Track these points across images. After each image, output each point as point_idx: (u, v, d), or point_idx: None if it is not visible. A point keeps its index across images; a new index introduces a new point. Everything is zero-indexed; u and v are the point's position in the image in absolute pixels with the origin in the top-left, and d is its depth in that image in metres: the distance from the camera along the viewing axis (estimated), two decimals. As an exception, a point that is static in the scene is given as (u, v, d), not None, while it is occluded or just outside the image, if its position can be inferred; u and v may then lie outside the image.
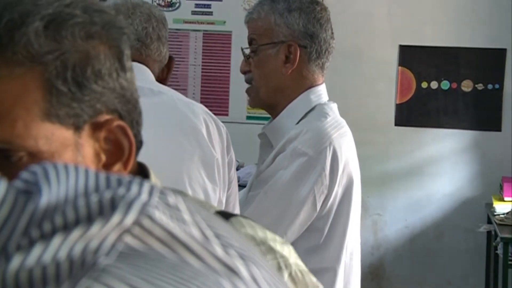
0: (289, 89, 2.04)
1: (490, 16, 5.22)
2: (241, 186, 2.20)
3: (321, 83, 2.10)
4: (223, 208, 1.77)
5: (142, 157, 1.63)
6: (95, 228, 0.40)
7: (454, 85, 5.28)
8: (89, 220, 0.39)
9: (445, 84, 5.29)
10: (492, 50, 5.21)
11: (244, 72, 2.09)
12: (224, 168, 1.75)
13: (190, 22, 5.27)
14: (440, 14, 5.27)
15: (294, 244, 1.97)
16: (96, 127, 0.81)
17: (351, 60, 5.31)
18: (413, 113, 5.33)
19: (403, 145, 5.36)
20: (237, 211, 1.83)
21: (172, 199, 0.44)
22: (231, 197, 1.80)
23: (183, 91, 5.29)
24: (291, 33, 2.01)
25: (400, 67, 5.32)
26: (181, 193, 0.60)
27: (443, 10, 5.27)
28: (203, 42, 5.20)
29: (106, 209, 0.40)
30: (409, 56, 5.28)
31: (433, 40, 5.27)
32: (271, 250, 0.82)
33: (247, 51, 2.06)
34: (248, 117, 4.98)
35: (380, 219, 5.45)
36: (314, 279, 0.85)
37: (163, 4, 5.29)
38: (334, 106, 2.09)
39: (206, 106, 5.66)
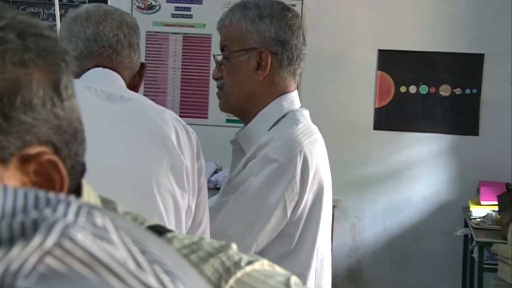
0: (261, 95, 2.05)
1: (468, 21, 5.26)
2: (218, 189, 2.20)
3: (293, 90, 2.10)
4: (192, 215, 1.78)
5: (112, 164, 1.64)
6: (15, 250, 0.40)
7: (433, 90, 5.31)
8: (11, 242, 0.40)
9: (424, 89, 5.32)
10: (470, 55, 5.25)
11: (216, 79, 2.09)
12: (194, 174, 1.76)
13: (170, 25, 5.27)
14: (419, 19, 5.31)
15: (265, 250, 1.98)
16: (25, 160, 0.75)
17: (331, 64, 5.34)
18: (392, 117, 5.36)
19: (382, 149, 5.39)
20: (206, 217, 1.83)
21: (99, 219, 0.45)
22: (200, 204, 1.80)
23: (163, 93, 5.29)
24: (263, 39, 2.02)
25: (379, 71, 5.35)
26: (111, 210, 0.60)
27: (422, 15, 5.30)
28: (183, 45, 5.21)
29: (29, 231, 0.41)
30: (388, 60, 5.31)
31: (412, 45, 5.31)
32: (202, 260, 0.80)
33: (219, 58, 2.07)
34: (228, 120, 4.99)
35: (358, 222, 5.48)
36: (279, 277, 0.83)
37: (143, 6, 5.29)
38: (306, 113, 2.10)
39: (185, 109, 5.64)
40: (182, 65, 5.25)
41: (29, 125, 0.75)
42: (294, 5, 5.25)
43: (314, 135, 2.05)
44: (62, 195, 0.47)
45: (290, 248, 1.99)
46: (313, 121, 5.68)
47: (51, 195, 0.46)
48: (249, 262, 0.81)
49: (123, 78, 1.84)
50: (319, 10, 5.31)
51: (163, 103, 5.26)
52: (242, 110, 2.09)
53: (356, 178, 5.40)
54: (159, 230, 0.83)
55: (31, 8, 5.24)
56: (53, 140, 0.77)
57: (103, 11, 1.88)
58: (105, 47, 1.82)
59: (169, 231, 0.84)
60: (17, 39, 0.74)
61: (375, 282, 5.47)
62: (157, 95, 5.29)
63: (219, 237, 1.94)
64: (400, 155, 5.38)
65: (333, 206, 5.24)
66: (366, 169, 5.42)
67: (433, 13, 5.28)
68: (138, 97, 1.79)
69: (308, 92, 5.34)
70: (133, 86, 1.90)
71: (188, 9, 5.13)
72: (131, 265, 0.43)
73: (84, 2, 5.13)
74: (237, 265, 0.80)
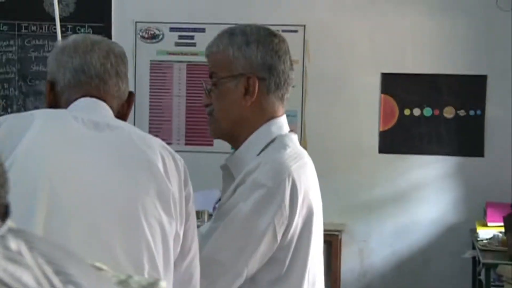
0: (249, 121, 2.06)
1: (470, 43, 5.27)
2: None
3: (282, 115, 2.12)
4: (180, 241, 1.78)
5: (98, 192, 1.65)
6: None
7: (437, 112, 5.31)
8: None
9: (428, 111, 5.32)
10: (472, 77, 5.26)
11: (206, 105, 2.11)
12: (181, 201, 1.76)
13: (173, 54, 5.31)
14: (422, 42, 5.32)
15: (256, 275, 1.98)
16: None
17: (335, 88, 5.35)
18: (397, 140, 5.36)
19: (388, 172, 5.38)
20: (195, 244, 1.83)
21: (14, 244, 0.46)
22: (189, 230, 1.80)
23: (168, 122, 5.32)
24: (250, 65, 2.03)
25: (382, 95, 5.35)
26: (30, 236, 0.60)
27: (424, 37, 5.32)
28: (187, 73, 5.24)
29: None
30: (392, 83, 5.32)
31: (415, 68, 5.32)
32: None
33: (209, 85, 2.09)
34: (234, 148, 5.00)
35: (366, 246, 5.46)
36: None
37: (146, 36, 5.34)
38: (294, 138, 2.11)
39: (191, 136, 5.67)
40: (187, 93, 5.28)
41: None
42: (296, 31, 5.29)
43: (302, 159, 2.06)
44: None
45: (281, 273, 1.99)
46: (317, 145, 5.70)
47: None
48: None
49: (111, 107, 1.86)
50: (322, 34, 5.34)
51: (169, 131, 5.29)
52: (231, 135, 2.11)
53: (363, 202, 5.38)
54: None
55: (36, 40, 5.29)
56: None
57: (90, 41, 1.90)
58: (92, 77, 1.84)
59: (99, 269, 0.84)
60: None
61: (385, 306, 5.44)
62: (162, 124, 5.32)
63: (210, 263, 1.95)
64: (406, 178, 5.37)
65: (340, 231, 5.26)
66: (372, 192, 5.41)
67: (435, 36, 5.30)
68: (125, 126, 1.81)
69: (312, 116, 5.35)
70: (122, 114, 1.91)
71: (192, 37, 5.17)
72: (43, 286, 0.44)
73: (87, 33, 5.19)
74: None
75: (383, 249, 5.42)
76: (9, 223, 0.49)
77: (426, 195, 5.36)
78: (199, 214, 4.36)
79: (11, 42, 5.35)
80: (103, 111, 1.82)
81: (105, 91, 1.85)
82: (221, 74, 2.05)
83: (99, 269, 0.83)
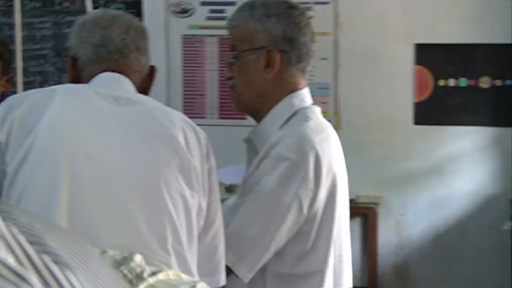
0: (271, 93, 2.06)
1: (505, 11, 5.17)
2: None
3: (304, 87, 2.11)
4: (204, 214, 1.79)
5: (120, 166, 1.66)
6: None
7: (472, 82, 5.24)
8: None
9: (463, 81, 5.25)
10: (509, 46, 5.16)
11: (228, 78, 2.11)
12: (204, 174, 1.77)
13: (205, 28, 5.31)
14: (455, 11, 5.24)
15: (283, 250, 1.99)
16: None
17: (367, 60, 5.30)
18: (432, 111, 5.30)
19: (423, 144, 5.33)
20: (219, 217, 1.84)
21: None
22: (212, 203, 1.81)
23: (201, 96, 5.33)
24: (270, 38, 2.03)
25: (416, 66, 5.29)
26: (7, 208, 0.60)
27: (458, 6, 5.23)
28: (219, 47, 5.24)
29: None
30: (425, 54, 5.25)
31: (449, 38, 5.24)
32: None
33: (230, 58, 2.09)
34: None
35: (403, 219, 5.43)
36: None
37: (178, 10, 5.34)
38: (317, 110, 2.10)
39: (225, 110, 5.68)
40: (220, 67, 5.28)
41: None
42: (328, 3, 5.25)
43: (325, 131, 2.06)
44: None
45: (307, 246, 2.00)
46: (350, 118, 5.66)
47: None
48: (153, 274, 0.81)
49: (132, 82, 1.87)
50: (353, 6, 5.28)
51: (202, 106, 5.31)
52: (254, 108, 2.11)
53: (398, 175, 5.35)
54: None
55: (70, 17, 5.33)
56: None
57: (110, 16, 1.91)
58: (113, 52, 1.85)
59: None
60: None
61: (422, 279, 5.42)
62: (195, 98, 5.34)
63: (237, 238, 1.96)
64: (442, 150, 5.32)
65: (376, 203, 5.24)
66: (408, 165, 5.36)
67: (469, 4, 5.21)
68: (146, 100, 1.82)
69: (345, 88, 5.32)
70: (144, 89, 1.93)
71: (223, 11, 5.16)
72: (12, 259, 0.44)
73: (120, 9, 5.21)
74: (140, 277, 0.79)
75: (420, 221, 5.39)
76: None
77: (462, 167, 5.30)
78: (232, 188, 4.38)
79: (45, 19, 5.40)
80: (124, 85, 1.84)
81: (126, 65, 1.86)
82: (242, 47, 2.05)
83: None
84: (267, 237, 1.96)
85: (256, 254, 1.97)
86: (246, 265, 1.97)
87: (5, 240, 0.46)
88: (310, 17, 2.16)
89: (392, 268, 5.43)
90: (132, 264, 0.80)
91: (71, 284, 0.47)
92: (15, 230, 0.46)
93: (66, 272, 0.46)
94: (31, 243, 0.46)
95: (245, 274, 1.97)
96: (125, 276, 0.78)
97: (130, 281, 0.78)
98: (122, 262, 0.80)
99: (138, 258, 0.82)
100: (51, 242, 0.48)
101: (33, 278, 0.44)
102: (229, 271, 1.96)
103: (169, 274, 0.81)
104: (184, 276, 0.82)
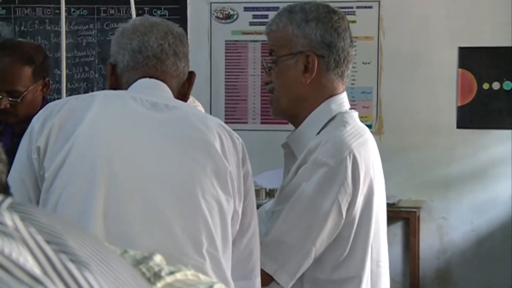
0: (309, 98, 2.06)
1: (550, 14, 5.11)
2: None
3: (342, 92, 2.10)
4: (239, 219, 1.80)
5: (157, 171, 1.69)
6: None
7: (517, 85, 5.18)
8: None
9: (507, 85, 5.20)
10: (554, 48, 5.10)
11: (266, 83, 2.12)
12: (239, 179, 1.78)
13: (248, 33, 5.34)
14: (499, 14, 5.19)
15: (321, 256, 1.99)
16: None
17: (410, 64, 5.28)
18: (475, 115, 5.25)
19: (466, 148, 5.29)
20: (255, 221, 1.85)
21: (7, 217, 0.48)
22: (248, 207, 1.82)
23: (244, 101, 5.36)
24: (309, 43, 2.03)
25: (460, 69, 5.25)
26: (27, 209, 0.60)
27: (501, 10, 5.18)
28: (262, 52, 5.26)
29: None
30: (469, 57, 5.21)
31: (493, 41, 5.19)
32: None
33: (269, 63, 2.10)
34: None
35: (445, 223, 5.39)
36: None
37: (221, 16, 5.38)
38: (355, 115, 2.10)
39: (266, 115, 5.68)
40: (261, 72, 5.29)
41: None
42: (371, 7, 5.23)
43: (363, 136, 2.05)
44: None
45: (345, 251, 1.99)
46: (393, 122, 5.63)
47: None
48: (171, 273, 0.80)
49: (170, 87, 1.88)
50: (397, 9, 5.26)
51: (244, 111, 5.33)
52: (292, 113, 2.11)
53: (441, 178, 5.31)
54: None
55: (115, 24, 5.40)
56: None
57: (149, 23, 1.93)
58: (150, 57, 1.87)
59: None
60: None
61: (464, 283, 5.37)
62: (237, 103, 5.37)
63: (278, 245, 1.97)
64: (485, 153, 5.27)
65: (418, 207, 5.20)
66: (451, 169, 5.32)
67: (512, 7, 5.16)
68: (183, 106, 1.83)
69: (388, 92, 5.30)
70: (182, 94, 1.94)
71: (266, 16, 5.19)
72: (30, 259, 0.46)
73: (164, 15, 5.27)
74: (157, 276, 0.79)
75: (462, 225, 5.34)
76: (9, 199, 0.51)
77: (506, 171, 5.24)
78: (272, 192, 4.39)
79: (91, 26, 5.48)
80: (162, 91, 1.85)
81: (163, 70, 1.87)
82: (281, 52, 2.06)
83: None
84: (308, 243, 1.96)
85: (297, 260, 1.97)
86: (287, 272, 1.97)
87: (24, 240, 0.47)
88: (350, 22, 2.16)
89: (434, 272, 5.39)
90: (151, 263, 0.81)
91: (89, 283, 0.47)
92: (33, 230, 0.47)
93: (84, 271, 0.47)
94: (49, 242, 0.47)
95: (287, 281, 1.97)
96: (143, 274, 0.79)
97: (148, 280, 0.79)
98: (141, 261, 0.81)
99: (157, 258, 0.83)
100: (71, 242, 0.49)
101: (48, 281, 0.45)
102: (269, 278, 1.97)
103: (188, 274, 0.82)
104: (202, 277, 0.83)
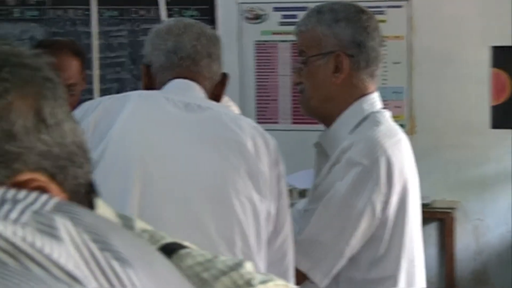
0: (340, 98, 2.06)
1: None
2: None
3: (373, 91, 2.10)
4: (273, 220, 1.80)
5: (190, 172, 1.69)
6: None
7: (551, 84, 5.11)
8: None
9: (542, 84, 5.14)
10: None
11: (296, 83, 2.13)
12: (272, 180, 1.78)
13: (278, 33, 5.33)
14: (533, 11, 5.12)
15: (356, 256, 1.99)
16: (16, 187, 0.74)
17: (441, 63, 5.23)
18: (510, 114, 5.19)
19: (501, 148, 5.22)
20: (288, 222, 1.85)
21: (57, 218, 0.48)
22: (281, 209, 1.82)
23: (274, 101, 5.35)
24: (339, 43, 2.03)
25: (493, 69, 5.19)
26: (74, 209, 0.61)
27: (535, 7, 5.12)
28: (292, 52, 5.25)
29: None
30: (502, 57, 5.15)
31: (527, 39, 5.13)
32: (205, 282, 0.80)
33: (298, 63, 2.10)
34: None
35: (481, 224, 5.33)
36: None
37: (250, 16, 5.38)
38: (387, 114, 2.09)
39: (298, 115, 5.66)
40: (292, 72, 5.29)
41: (14, 154, 0.76)
42: (401, 6, 5.20)
43: (396, 136, 2.05)
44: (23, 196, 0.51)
45: (380, 251, 2.00)
46: (425, 122, 5.57)
47: (11, 196, 0.51)
48: (263, 282, 0.81)
49: (203, 88, 1.89)
50: (427, 9, 5.22)
51: (275, 111, 5.33)
52: (322, 113, 2.11)
53: (475, 179, 5.25)
54: (173, 247, 0.84)
55: (145, 24, 5.43)
56: (44, 167, 0.78)
57: (183, 24, 1.94)
58: (184, 58, 1.88)
59: (184, 247, 0.85)
60: None
61: (501, 285, 5.31)
62: (268, 103, 5.36)
63: (312, 245, 1.97)
64: (521, 154, 5.20)
65: (453, 208, 5.16)
66: (485, 169, 5.26)
67: (548, 5, 5.09)
68: (216, 106, 1.84)
69: (419, 92, 5.26)
70: (215, 95, 1.95)
71: (295, 16, 5.17)
72: (78, 258, 0.46)
73: (193, 16, 5.28)
74: (249, 284, 0.80)
75: (499, 226, 5.28)
76: (55, 199, 0.52)
77: (542, 171, 5.18)
78: (305, 193, 4.38)
79: (121, 27, 5.52)
80: (195, 92, 1.87)
81: (197, 72, 1.89)
82: (310, 52, 2.06)
83: (183, 247, 0.85)
84: (342, 242, 1.97)
85: (331, 259, 1.98)
86: (321, 271, 1.98)
87: (69, 240, 0.47)
88: (379, 22, 2.15)
89: (470, 273, 5.34)
90: (242, 271, 0.81)
91: (131, 281, 0.47)
92: (78, 229, 0.48)
93: (128, 270, 0.48)
94: (95, 241, 0.47)
95: (321, 280, 1.98)
96: (234, 281, 0.79)
97: (239, 287, 0.79)
98: (233, 268, 0.81)
99: (248, 265, 0.83)
100: (115, 241, 0.49)
101: (91, 280, 0.45)
102: (304, 277, 1.97)
103: (278, 284, 0.81)
104: (291, 287, 0.83)
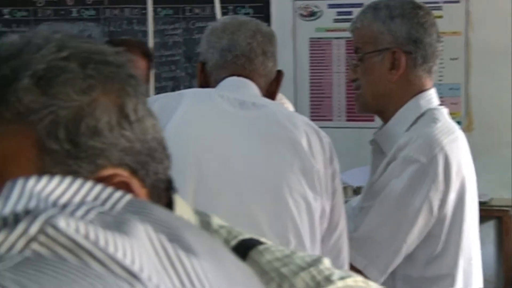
0: (397, 95, 2.05)
1: None
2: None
3: (430, 88, 2.08)
4: (327, 217, 1.80)
5: (244, 169, 1.70)
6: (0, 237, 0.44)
7: None
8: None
9: None
10: None
11: (352, 80, 2.12)
12: (327, 178, 1.78)
13: (332, 30, 5.31)
14: None
15: (413, 253, 1.98)
16: (99, 182, 0.79)
17: (499, 59, 5.14)
18: None
19: None
20: (343, 220, 1.85)
21: (127, 215, 0.49)
22: (336, 206, 1.82)
23: (328, 98, 5.34)
24: (395, 39, 2.02)
25: (553, 65, 5.09)
26: (146, 206, 0.61)
27: None
28: (346, 49, 5.23)
29: (11, 222, 0.45)
30: None
31: None
32: (284, 277, 0.81)
33: (354, 60, 2.09)
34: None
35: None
36: None
37: (305, 14, 5.37)
38: (444, 111, 2.07)
39: (352, 112, 5.63)
40: (346, 69, 5.25)
41: (98, 149, 0.78)
42: (458, 1, 5.14)
43: (454, 133, 2.02)
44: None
45: (437, 249, 1.99)
46: (482, 119, 5.48)
47: (84, 191, 0.52)
48: (341, 278, 0.81)
49: (258, 86, 1.89)
50: (485, 4, 5.13)
51: (329, 108, 5.31)
52: (378, 110, 2.10)
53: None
54: (252, 243, 0.85)
55: (200, 23, 5.46)
56: (127, 162, 0.80)
57: (238, 22, 1.95)
58: (239, 56, 1.89)
59: (262, 243, 0.85)
60: (78, 68, 0.78)
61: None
62: (322, 101, 5.35)
63: (368, 242, 1.96)
64: None
65: (511, 206, 5.06)
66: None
67: None
68: (271, 104, 1.84)
69: (476, 89, 5.18)
70: (270, 93, 1.95)
71: (350, 13, 5.14)
72: (153, 255, 0.46)
73: (248, 14, 5.29)
74: (328, 280, 0.80)
75: None
76: (128, 196, 0.52)
77: None
78: (359, 190, 4.36)
79: (176, 25, 5.56)
80: (249, 89, 1.87)
81: (251, 69, 1.89)
82: (366, 49, 2.05)
83: (261, 242, 0.86)
84: (398, 240, 1.96)
85: (387, 257, 1.97)
86: (377, 268, 1.97)
87: (145, 238, 0.47)
88: (436, 17, 2.13)
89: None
90: (321, 267, 0.81)
91: (198, 275, 0.47)
92: (151, 226, 0.48)
93: (196, 262, 0.48)
94: (168, 238, 0.48)
95: (377, 277, 1.97)
96: (313, 277, 0.79)
97: (318, 283, 0.79)
98: (311, 264, 0.81)
99: (326, 261, 0.83)
100: (187, 237, 0.49)
101: (164, 275, 0.45)
102: (359, 274, 1.96)
103: (358, 280, 0.81)
104: (372, 284, 0.82)
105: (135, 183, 0.79)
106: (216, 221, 0.91)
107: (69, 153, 0.77)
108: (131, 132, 0.81)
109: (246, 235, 0.88)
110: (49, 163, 0.77)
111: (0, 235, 0.44)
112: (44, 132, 0.76)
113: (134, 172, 0.80)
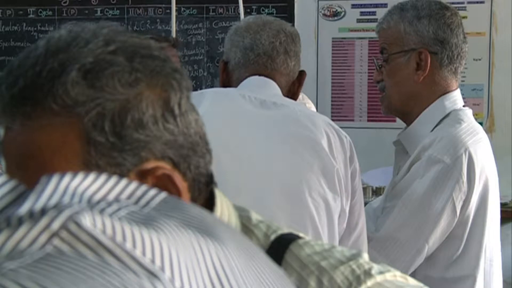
0: (422, 96, 2.04)
1: None
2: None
3: (455, 89, 2.07)
4: (347, 217, 1.80)
5: (264, 168, 1.70)
6: (22, 230, 0.43)
7: None
8: (19, 224, 0.44)
9: None
10: None
11: (377, 81, 2.11)
12: (347, 178, 1.78)
13: (355, 30, 5.30)
14: None
15: (434, 254, 1.97)
16: (142, 175, 0.79)
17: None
18: None
19: None
20: (362, 220, 1.84)
21: (153, 210, 0.49)
22: (355, 206, 1.82)
23: (350, 99, 5.32)
24: (421, 40, 2.01)
25: None
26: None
27: None
28: (369, 49, 5.21)
29: (37, 215, 0.44)
30: None
31: None
32: (325, 271, 0.81)
33: (380, 61, 2.09)
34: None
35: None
36: None
37: (328, 14, 5.36)
38: (469, 112, 2.07)
39: (373, 113, 5.61)
40: (369, 69, 5.25)
41: (142, 142, 0.79)
42: (483, 2, 5.11)
43: (478, 134, 2.02)
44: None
45: (458, 250, 1.98)
46: (505, 120, 5.45)
47: (120, 189, 0.52)
48: (380, 272, 0.82)
49: (279, 85, 1.89)
50: (510, 4, 5.10)
51: (351, 109, 5.30)
52: (404, 111, 2.09)
53: None
54: (291, 237, 0.86)
55: (223, 23, 5.47)
56: (169, 155, 0.81)
57: (261, 21, 1.95)
58: (261, 55, 1.88)
59: (301, 238, 0.86)
60: (125, 61, 0.79)
61: None
62: (344, 100, 5.34)
63: (390, 242, 1.96)
64: None
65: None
66: None
67: None
68: (291, 104, 1.84)
69: (500, 89, 5.15)
70: (292, 93, 1.95)
71: (373, 13, 5.13)
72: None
73: (271, 14, 5.29)
74: (368, 274, 0.81)
75: None
76: (163, 194, 0.52)
77: None
78: (379, 190, 4.35)
79: (200, 25, 5.57)
80: (271, 89, 1.87)
81: (273, 68, 1.89)
82: (392, 49, 2.04)
83: (300, 237, 0.86)
84: (420, 240, 1.95)
85: (408, 257, 1.96)
86: (398, 269, 1.95)
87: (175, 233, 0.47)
88: (462, 18, 2.12)
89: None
90: (361, 261, 0.82)
91: (226, 270, 0.48)
92: (182, 224, 0.48)
93: (225, 255, 0.48)
94: (202, 236, 0.48)
95: None
96: (353, 271, 0.80)
97: (358, 277, 0.80)
98: (350, 258, 0.82)
99: (365, 255, 0.84)
100: (220, 234, 0.50)
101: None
102: None
103: (396, 275, 0.82)
104: (410, 279, 0.83)
105: (177, 176, 0.81)
106: (255, 216, 0.92)
107: (114, 145, 0.78)
108: (175, 126, 0.82)
109: (286, 230, 0.88)
110: (94, 155, 0.78)
111: (22, 228, 0.44)
112: (90, 124, 0.78)
113: (176, 165, 0.82)
